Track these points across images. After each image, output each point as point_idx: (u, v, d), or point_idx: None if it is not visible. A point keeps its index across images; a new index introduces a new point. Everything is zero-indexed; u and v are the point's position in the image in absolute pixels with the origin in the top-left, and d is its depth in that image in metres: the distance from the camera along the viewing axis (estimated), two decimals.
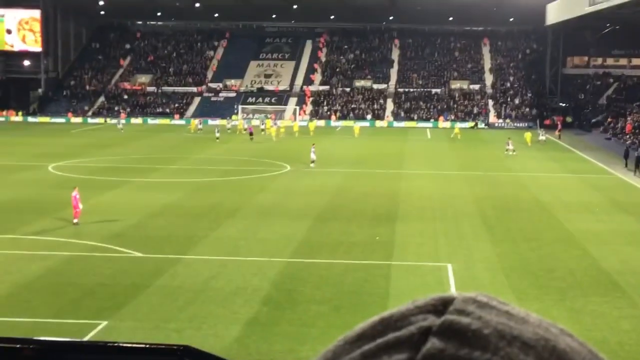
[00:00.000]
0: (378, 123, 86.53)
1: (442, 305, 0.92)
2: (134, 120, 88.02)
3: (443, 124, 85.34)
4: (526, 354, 0.85)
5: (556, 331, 0.91)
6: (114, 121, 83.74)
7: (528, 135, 64.34)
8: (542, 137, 67.76)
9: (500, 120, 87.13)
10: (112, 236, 29.25)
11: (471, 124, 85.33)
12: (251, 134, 66.61)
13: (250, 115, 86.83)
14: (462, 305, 0.92)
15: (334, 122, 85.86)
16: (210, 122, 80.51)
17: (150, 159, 53.39)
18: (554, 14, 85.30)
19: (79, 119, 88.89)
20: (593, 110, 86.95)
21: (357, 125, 75.58)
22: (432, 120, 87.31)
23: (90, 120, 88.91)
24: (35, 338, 1.28)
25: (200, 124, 76.41)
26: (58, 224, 31.34)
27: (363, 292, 22.46)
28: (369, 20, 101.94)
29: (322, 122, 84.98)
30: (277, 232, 30.26)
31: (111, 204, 36.00)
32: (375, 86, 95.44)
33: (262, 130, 72.27)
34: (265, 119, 79.62)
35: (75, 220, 31.29)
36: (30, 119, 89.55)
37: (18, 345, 1.27)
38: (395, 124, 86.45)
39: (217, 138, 65.31)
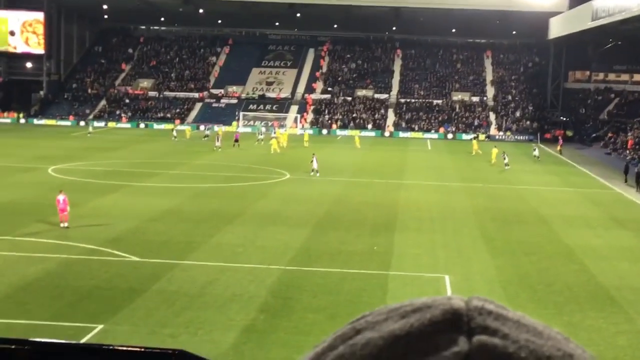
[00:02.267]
0: (381, 133, 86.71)
1: (457, 319, 0.90)
2: (120, 125, 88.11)
3: (449, 135, 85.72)
4: None
5: (565, 341, 0.91)
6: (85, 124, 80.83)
7: (474, 143, 64.51)
8: (535, 153, 64.58)
9: (501, 133, 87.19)
10: (110, 240, 29.22)
11: (474, 135, 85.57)
12: (236, 140, 66.31)
13: (248, 122, 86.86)
14: (481, 320, 0.90)
15: (339, 132, 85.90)
16: (215, 127, 79.02)
17: (151, 163, 53.38)
18: (556, 28, 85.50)
19: (101, 123, 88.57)
20: (594, 125, 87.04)
21: (358, 136, 74.75)
22: (432, 131, 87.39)
23: (96, 124, 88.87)
24: (30, 339, 1.28)
25: (174, 131, 74.01)
26: (56, 226, 31.30)
27: (360, 302, 22.42)
28: (372, 30, 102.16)
29: (324, 131, 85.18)
30: (276, 240, 30.23)
31: (110, 208, 35.98)
32: (376, 96, 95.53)
33: (259, 140, 70.39)
34: (275, 129, 79.13)
35: (65, 224, 31.02)
36: (31, 121, 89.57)
37: (13, 346, 1.27)
38: (402, 134, 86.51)
39: (217, 147, 63.92)
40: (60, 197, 31.30)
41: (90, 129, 76.77)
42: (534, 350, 0.87)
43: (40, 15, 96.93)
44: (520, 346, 0.87)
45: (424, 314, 0.91)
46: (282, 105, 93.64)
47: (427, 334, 0.88)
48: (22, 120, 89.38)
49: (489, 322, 0.89)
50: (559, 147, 72.47)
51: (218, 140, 65.16)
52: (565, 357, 0.88)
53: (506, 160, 57.21)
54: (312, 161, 50.03)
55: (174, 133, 73.04)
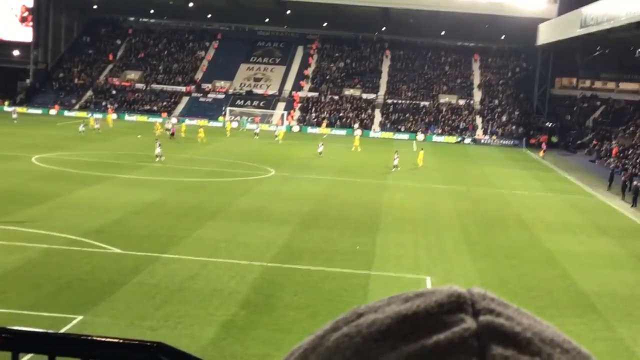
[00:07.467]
0: (351, 132, 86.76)
1: (462, 302, 0.92)
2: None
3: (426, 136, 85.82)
4: (566, 358, 0.90)
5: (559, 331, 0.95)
6: (9, 109, 78.96)
7: (357, 138, 66.62)
8: (395, 161, 54.72)
9: (487, 137, 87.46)
10: (91, 231, 29.10)
11: (457, 138, 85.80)
12: (172, 134, 66.44)
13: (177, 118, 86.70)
14: (485, 304, 0.92)
15: (310, 129, 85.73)
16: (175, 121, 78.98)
17: (135, 155, 53.17)
18: (545, 34, 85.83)
19: (72, 113, 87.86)
20: (579, 132, 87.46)
21: (281, 130, 75.01)
22: (418, 132, 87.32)
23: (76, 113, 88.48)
24: (8, 327, 1.26)
25: (83, 126, 66.30)
26: (38, 216, 31.14)
27: (340, 301, 22.44)
28: (362, 30, 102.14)
29: (296, 128, 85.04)
30: (258, 236, 30.20)
31: (93, 199, 35.82)
32: (364, 95, 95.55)
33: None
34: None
35: None
36: (1, 108, 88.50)
37: None
38: (372, 134, 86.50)
39: (81, 131, 64.19)
40: None
41: (15, 115, 74.99)
42: (537, 332, 0.90)
43: (29, 3, 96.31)
44: (525, 327, 0.89)
45: (429, 297, 0.93)
46: (269, 102, 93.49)
47: (434, 314, 0.90)
48: (8, 108, 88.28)
49: (493, 306, 0.92)
50: (541, 153, 73.80)
51: (81, 126, 64.97)
52: (565, 342, 0.91)
53: (396, 162, 54.45)
54: (156, 146, 51.38)
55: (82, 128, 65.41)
